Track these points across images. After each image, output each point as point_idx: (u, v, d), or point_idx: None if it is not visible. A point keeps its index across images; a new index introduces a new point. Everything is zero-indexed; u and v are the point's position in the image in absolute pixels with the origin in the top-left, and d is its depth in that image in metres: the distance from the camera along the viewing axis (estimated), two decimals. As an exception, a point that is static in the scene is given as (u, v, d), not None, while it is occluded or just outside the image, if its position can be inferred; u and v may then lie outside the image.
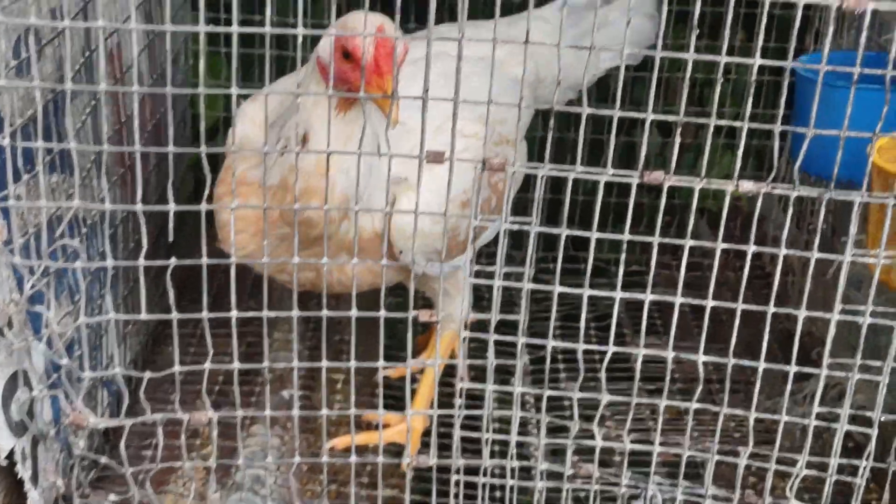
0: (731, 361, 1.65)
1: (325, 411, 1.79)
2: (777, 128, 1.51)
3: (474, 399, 1.82)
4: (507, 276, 1.67)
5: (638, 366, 1.68)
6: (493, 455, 1.90)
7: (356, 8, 3.08)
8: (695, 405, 1.70)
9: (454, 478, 1.80)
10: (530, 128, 2.67)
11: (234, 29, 1.46)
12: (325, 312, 1.70)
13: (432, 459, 1.80)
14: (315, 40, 3.13)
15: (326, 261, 1.70)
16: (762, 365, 1.64)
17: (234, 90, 1.50)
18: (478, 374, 2.50)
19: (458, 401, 1.74)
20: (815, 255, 1.57)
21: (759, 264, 3.11)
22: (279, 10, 3.09)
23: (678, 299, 1.62)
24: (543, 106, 2.44)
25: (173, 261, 1.59)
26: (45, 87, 1.47)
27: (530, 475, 1.85)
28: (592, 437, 1.75)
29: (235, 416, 1.77)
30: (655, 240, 1.60)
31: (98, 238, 2.03)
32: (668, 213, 3.37)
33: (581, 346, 1.67)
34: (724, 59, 1.48)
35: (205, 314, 1.67)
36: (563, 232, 1.59)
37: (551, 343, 1.68)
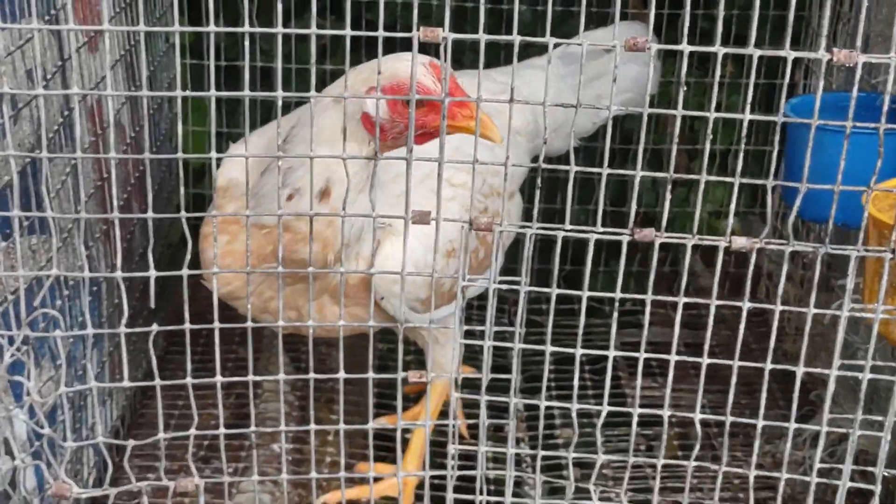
0: (730, 419, 1.60)
1: (313, 474, 1.74)
2: (770, 182, 1.47)
3: (469, 459, 1.78)
4: (498, 334, 1.63)
5: (633, 426, 1.63)
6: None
7: (339, 52, 3.08)
8: (693, 463, 1.65)
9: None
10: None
11: (213, 94, 1.43)
12: (312, 375, 1.66)
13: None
14: (300, 83, 3.09)
15: (312, 322, 1.66)
16: (761, 423, 1.60)
17: (214, 154, 1.46)
18: (473, 427, 2.46)
19: (450, 462, 1.70)
20: (812, 310, 1.53)
21: (755, 300, 3.07)
22: (263, 52, 3.07)
23: (673, 357, 1.58)
24: (533, 159, 2.42)
25: (154, 328, 1.55)
26: (19, 157, 1.43)
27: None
28: (589, 497, 1.70)
29: (222, 482, 1.73)
30: (648, 297, 1.56)
31: (81, 298, 1.99)
32: (663, 247, 3.33)
33: (575, 406, 1.63)
34: (713, 115, 1.45)
35: (189, 380, 1.62)
36: (554, 292, 1.55)
37: (544, 403, 1.64)
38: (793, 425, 1.61)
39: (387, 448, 2.32)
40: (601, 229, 1.51)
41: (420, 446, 2.27)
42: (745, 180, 1.49)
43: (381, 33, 1.45)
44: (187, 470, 1.69)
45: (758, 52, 1.43)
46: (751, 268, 1.52)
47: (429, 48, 1.60)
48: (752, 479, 1.65)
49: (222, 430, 1.67)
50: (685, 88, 1.43)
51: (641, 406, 1.67)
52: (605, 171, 1.48)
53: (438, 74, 1.77)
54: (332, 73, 3.16)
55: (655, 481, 1.68)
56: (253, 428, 1.70)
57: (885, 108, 1.46)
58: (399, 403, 1.72)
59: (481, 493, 1.71)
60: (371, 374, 1.67)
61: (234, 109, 3.12)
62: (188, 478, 1.70)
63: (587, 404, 1.66)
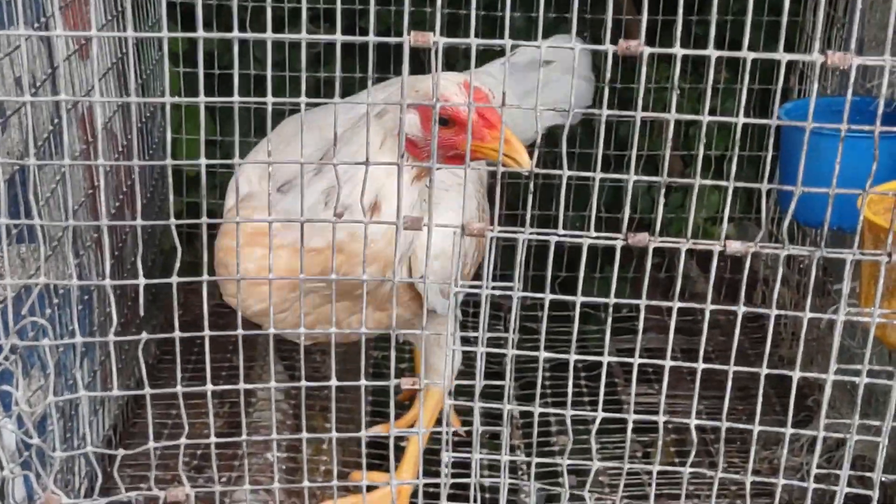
0: (725, 425, 1.59)
1: (306, 483, 1.73)
2: (764, 186, 1.46)
3: (463, 467, 1.77)
4: (493, 340, 1.62)
5: (629, 432, 1.62)
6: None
7: (333, 59, 3.07)
8: (689, 469, 1.64)
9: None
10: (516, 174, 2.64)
11: (202, 98, 1.42)
12: (304, 383, 1.64)
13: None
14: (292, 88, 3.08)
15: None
16: (757, 427, 1.59)
17: (203, 161, 1.45)
18: (467, 434, 2.44)
19: (444, 470, 1.68)
20: (808, 314, 1.52)
21: (750, 305, 3.07)
22: (256, 59, 3.06)
23: (668, 362, 1.57)
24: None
25: (144, 336, 1.53)
26: (7, 164, 1.41)
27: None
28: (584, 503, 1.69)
29: (214, 491, 1.71)
30: (643, 302, 1.54)
31: (71, 307, 1.98)
32: (658, 253, 3.33)
33: (569, 413, 1.61)
34: (706, 118, 1.44)
35: (179, 389, 1.61)
36: (547, 297, 1.54)
37: (538, 410, 1.62)
38: (789, 430, 1.59)
39: (381, 456, 2.31)
40: (594, 234, 1.49)
41: (414, 454, 2.26)
42: (739, 184, 1.47)
43: (371, 38, 1.43)
44: (180, 480, 1.67)
45: (751, 55, 1.42)
46: (745, 272, 1.51)
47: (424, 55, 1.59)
48: (748, 486, 1.63)
49: (213, 440, 1.65)
50: (678, 92, 1.42)
51: (638, 412, 1.65)
52: (598, 175, 1.47)
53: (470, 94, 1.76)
54: (326, 81, 3.15)
55: (651, 488, 1.67)
56: (244, 437, 1.69)
57: (881, 111, 1.44)
58: (392, 411, 1.71)
59: (475, 501, 1.69)
60: (363, 382, 1.65)
61: (228, 118, 3.11)
62: (179, 487, 1.68)
63: (583, 411, 1.65)
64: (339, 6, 1.47)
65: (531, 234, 1.51)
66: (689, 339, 2.82)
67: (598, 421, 1.63)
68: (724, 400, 1.57)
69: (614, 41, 1.41)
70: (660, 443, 1.64)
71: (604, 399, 1.63)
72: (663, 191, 1.47)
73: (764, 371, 1.55)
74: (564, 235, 1.51)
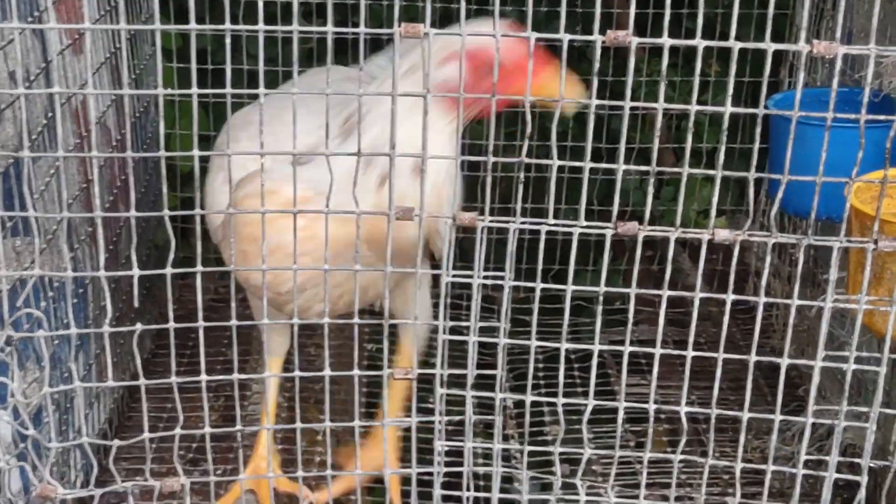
0: (715, 412, 1.61)
1: (300, 473, 1.74)
2: (752, 175, 1.48)
3: (457, 455, 1.78)
4: (485, 331, 1.64)
5: (619, 420, 1.63)
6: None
7: (323, 56, 3.08)
8: (679, 457, 1.65)
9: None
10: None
11: (194, 91, 1.43)
12: (297, 374, 1.66)
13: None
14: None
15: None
16: (746, 414, 1.60)
17: (196, 153, 1.46)
18: (460, 424, 2.46)
19: (437, 458, 1.69)
20: (796, 301, 1.53)
21: (742, 298, 3.08)
22: (249, 55, 3.07)
23: (658, 350, 1.59)
24: None
25: (139, 327, 1.54)
26: (1, 157, 1.42)
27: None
28: (577, 492, 1.70)
29: (209, 481, 1.72)
30: (633, 291, 1.56)
31: (66, 300, 1.99)
32: (650, 246, 3.34)
33: (561, 401, 1.63)
34: (694, 108, 1.45)
35: (173, 379, 1.62)
36: (538, 286, 1.55)
37: (530, 398, 1.64)
38: (778, 418, 1.61)
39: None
40: (584, 223, 1.51)
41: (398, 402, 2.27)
42: (727, 173, 1.49)
43: (362, 30, 1.45)
44: (176, 471, 1.68)
45: (738, 45, 1.43)
46: (734, 260, 1.52)
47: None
48: (738, 473, 1.65)
49: (208, 430, 1.67)
50: (666, 83, 1.43)
51: (631, 402, 1.67)
52: (588, 164, 1.48)
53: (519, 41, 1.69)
54: (319, 76, 3.16)
55: (642, 476, 1.69)
56: (238, 427, 1.70)
57: (866, 100, 1.46)
58: (385, 402, 1.72)
59: (468, 490, 1.71)
60: (356, 372, 1.67)
61: (221, 114, 3.12)
62: (174, 478, 1.69)
63: (576, 400, 1.66)
64: (329, 1, 1.49)
65: (522, 223, 1.52)
66: (681, 331, 2.84)
67: (588, 409, 1.64)
68: (716, 390, 1.59)
69: (603, 33, 1.42)
70: (650, 431, 1.66)
71: (598, 390, 1.64)
72: (653, 180, 1.49)
73: (753, 358, 1.56)
74: (555, 225, 1.52)
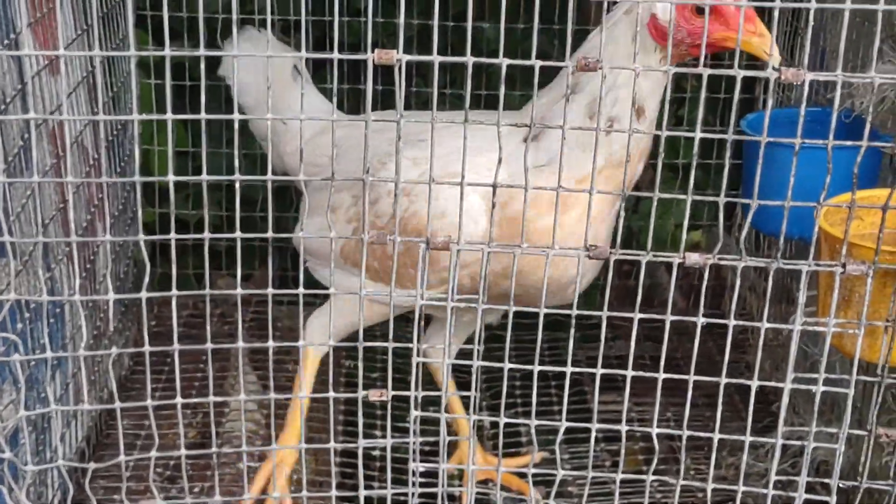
0: (686, 433, 1.62)
1: (275, 494, 1.75)
2: (722, 199, 1.50)
3: (432, 476, 1.79)
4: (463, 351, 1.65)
5: (592, 440, 1.65)
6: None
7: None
8: (652, 477, 1.67)
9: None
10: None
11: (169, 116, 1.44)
12: (272, 396, 1.67)
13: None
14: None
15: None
16: (717, 436, 1.62)
17: (171, 178, 1.47)
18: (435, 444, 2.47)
19: (412, 479, 1.71)
20: (765, 325, 1.55)
21: (718, 313, 3.11)
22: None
23: (630, 372, 1.60)
24: None
25: (114, 351, 1.55)
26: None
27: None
28: (551, 512, 1.72)
29: (185, 502, 1.73)
30: (604, 314, 1.58)
31: (42, 321, 1.99)
32: (629, 261, 3.36)
33: (534, 423, 1.64)
34: (664, 132, 1.47)
35: (149, 402, 1.63)
36: (511, 308, 1.57)
37: (504, 420, 1.65)
38: (749, 438, 1.63)
39: (352, 465, 2.33)
40: (557, 248, 1.52)
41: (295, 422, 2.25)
42: (697, 197, 1.51)
43: (336, 55, 1.46)
44: (152, 492, 1.69)
45: (707, 72, 1.45)
46: (704, 282, 1.54)
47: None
48: (709, 492, 1.67)
49: (183, 451, 1.67)
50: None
51: (607, 422, 1.69)
52: (560, 189, 1.50)
53: None
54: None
55: (615, 497, 1.70)
56: (214, 448, 1.70)
57: (833, 125, 1.48)
58: (360, 421, 1.73)
59: (443, 511, 1.72)
60: (332, 394, 1.67)
61: (199, 129, 3.12)
62: (151, 499, 1.70)
63: (554, 420, 1.68)
64: (304, 21, 1.50)
65: (494, 248, 1.53)
66: (658, 346, 2.84)
67: (562, 431, 1.66)
68: (694, 408, 1.61)
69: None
70: (622, 451, 1.68)
71: (575, 408, 1.66)
72: (622, 204, 1.50)
73: (723, 381, 1.58)
74: (527, 249, 1.53)
